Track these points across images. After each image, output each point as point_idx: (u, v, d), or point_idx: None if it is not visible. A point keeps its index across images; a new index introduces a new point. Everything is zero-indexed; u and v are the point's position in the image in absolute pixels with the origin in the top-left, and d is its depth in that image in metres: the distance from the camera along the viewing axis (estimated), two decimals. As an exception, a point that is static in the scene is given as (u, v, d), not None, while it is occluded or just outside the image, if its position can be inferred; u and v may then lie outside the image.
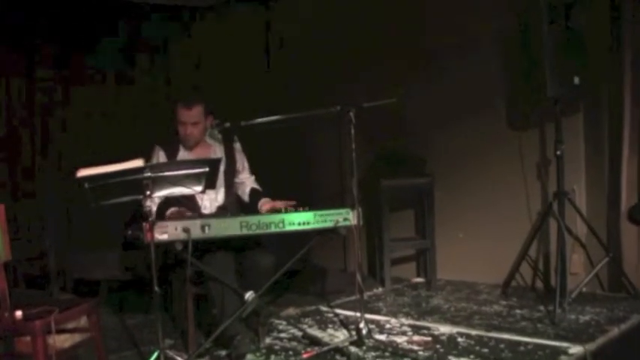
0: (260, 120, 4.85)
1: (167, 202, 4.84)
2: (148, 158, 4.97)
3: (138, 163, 4.05)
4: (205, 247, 4.55)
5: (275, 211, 4.75)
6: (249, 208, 5.21)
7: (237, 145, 5.34)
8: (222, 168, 5.06)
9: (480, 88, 6.52)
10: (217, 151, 5.21)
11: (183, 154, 5.09)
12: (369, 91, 6.56)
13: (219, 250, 4.62)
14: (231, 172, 5.23)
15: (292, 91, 7.67)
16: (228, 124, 4.98)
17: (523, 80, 6.15)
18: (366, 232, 7.15)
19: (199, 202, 5.04)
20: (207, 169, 4.22)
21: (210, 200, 5.08)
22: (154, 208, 4.80)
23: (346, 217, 4.68)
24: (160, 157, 5.05)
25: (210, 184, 4.33)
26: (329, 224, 4.64)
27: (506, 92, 6.49)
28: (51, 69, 7.59)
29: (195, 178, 4.23)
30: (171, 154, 5.07)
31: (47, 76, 7.57)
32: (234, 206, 5.21)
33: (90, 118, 7.71)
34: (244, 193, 5.32)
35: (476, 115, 6.58)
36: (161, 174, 4.13)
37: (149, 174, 4.05)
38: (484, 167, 6.60)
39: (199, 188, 4.28)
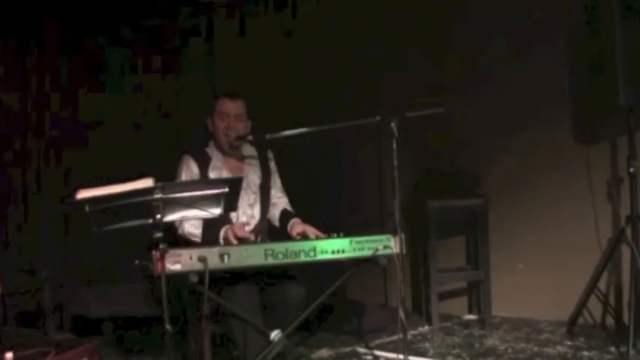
0: (288, 132, 4.84)
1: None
2: (176, 170, 5.05)
3: (147, 182, 3.99)
4: (225, 279, 4.50)
5: (305, 237, 4.71)
6: (279, 232, 5.16)
7: (272, 163, 5.37)
8: (257, 181, 5.17)
9: (541, 95, 6.48)
10: (253, 165, 5.25)
11: (215, 164, 5.12)
12: (414, 100, 6.53)
13: (241, 282, 4.57)
14: (266, 188, 5.26)
15: (325, 101, 7.64)
16: (250, 137, 4.98)
17: (591, 86, 6.07)
18: (409, 261, 7.12)
19: (233, 217, 4.99)
20: (226, 190, 4.16)
21: (247, 217, 5.09)
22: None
23: (387, 244, 4.65)
24: (192, 167, 5.05)
25: (229, 206, 4.27)
26: (367, 253, 4.62)
27: (571, 100, 6.44)
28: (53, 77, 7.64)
29: (213, 200, 4.17)
30: (203, 164, 5.08)
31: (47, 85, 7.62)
32: (265, 234, 5.19)
33: (95, 130, 7.72)
34: (274, 217, 5.31)
35: (536, 126, 6.54)
36: (174, 195, 4.07)
37: (160, 195, 3.98)
38: (546, 186, 6.54)
39: (217, 211, 4.21)
